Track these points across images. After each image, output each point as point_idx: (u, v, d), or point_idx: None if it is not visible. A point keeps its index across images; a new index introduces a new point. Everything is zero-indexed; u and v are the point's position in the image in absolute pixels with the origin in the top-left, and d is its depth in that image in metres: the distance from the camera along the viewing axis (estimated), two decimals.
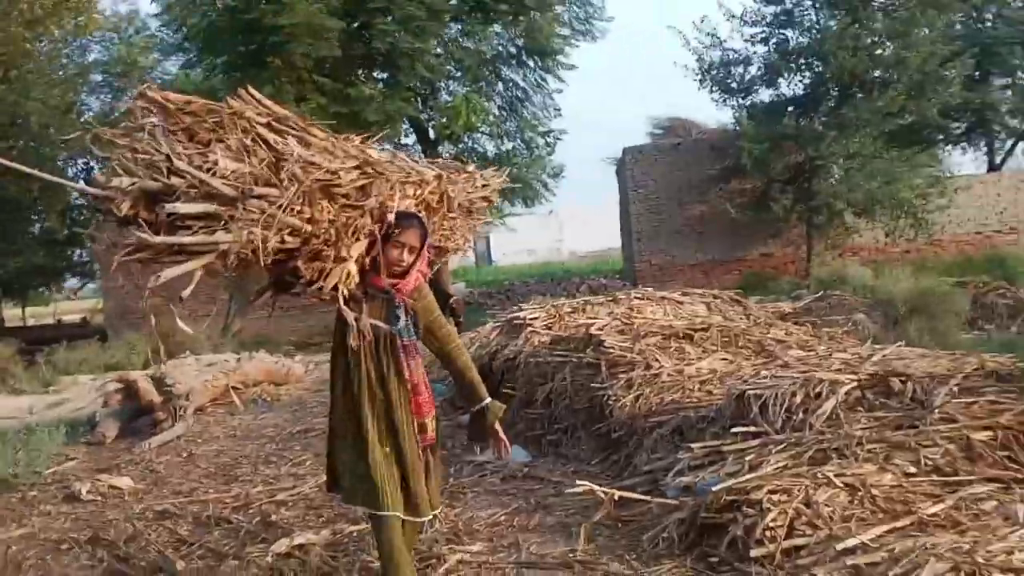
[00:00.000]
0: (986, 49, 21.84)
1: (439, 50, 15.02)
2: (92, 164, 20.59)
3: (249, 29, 12.94)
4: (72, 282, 32.49)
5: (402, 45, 13.26)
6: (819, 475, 3.96)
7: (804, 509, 3.74)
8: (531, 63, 16.35)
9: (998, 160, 25.40)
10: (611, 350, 6.16)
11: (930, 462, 4.08)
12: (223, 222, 2.89)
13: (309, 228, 3.05)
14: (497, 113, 16.59)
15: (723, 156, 18.71)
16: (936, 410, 4.37)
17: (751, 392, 4.74)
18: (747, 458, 4.32)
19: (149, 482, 6.34)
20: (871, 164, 17.20)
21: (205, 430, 7.92)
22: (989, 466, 4.09)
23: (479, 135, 16.44)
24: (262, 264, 2.94)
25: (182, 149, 3.00)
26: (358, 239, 3.24)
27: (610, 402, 5.77)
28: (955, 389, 4.62)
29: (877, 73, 17.14)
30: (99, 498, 5.89)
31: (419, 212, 3.54)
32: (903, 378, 4.72)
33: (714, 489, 3.97)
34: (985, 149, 25.51)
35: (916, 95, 16.93)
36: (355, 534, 4.58)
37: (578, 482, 4.43)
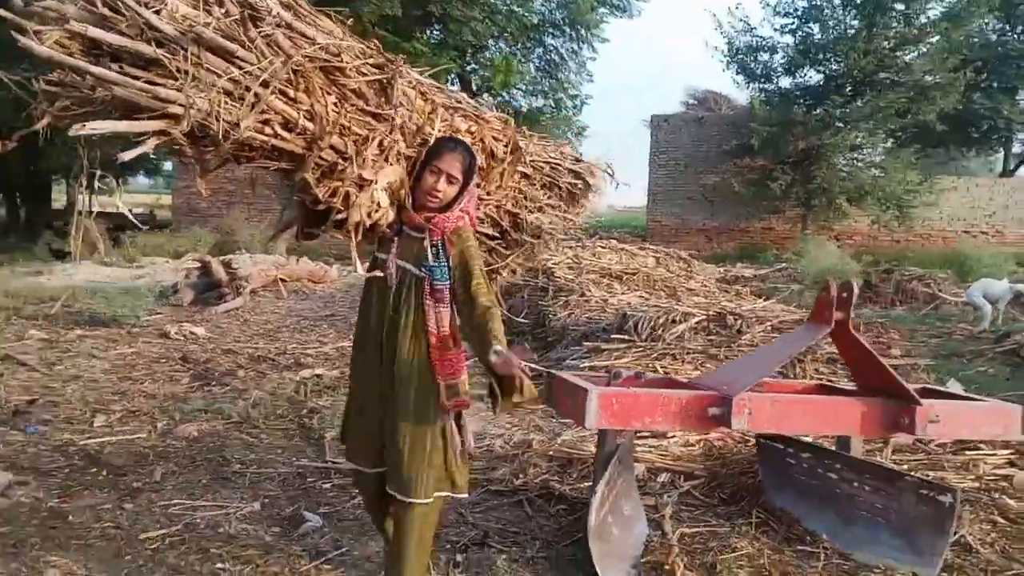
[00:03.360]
0: (1010, 61, 23.09)
1: (484, 16, 16.98)
2: None
3: None
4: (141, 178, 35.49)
5: (453, 11, 15.32)
6: (650, 366, 6.17)
7: None
8: (569, 32, 18.28)
9: (1012, 166, 26.74)
10: (559, 279, 8.38)
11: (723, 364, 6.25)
12: (178, 81, 2.40)
13: (309, 125, 2.60)
14: (534, 74, 18.61)
15: (739, 134, 20.49)
16: (745, 336, 6.54)
17: (630, 314, 6.94)
18: (615, 353, 6.54)
19: (217, 333, 8.76)
20: (869, 158, 18.95)
21: (258, 306, 10.34)
22: None
23: (516, 91, 18.48)
24: (224, 145, 2.46)
25: None
26: (388, 160, 2.78)
27: (550, 315, 8.00)
28: (768, 327, 6.76)
29: (885, 75, 18.68)
30: (182, 338, 8.30)
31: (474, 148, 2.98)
32: (736, 316, 6.87)
33: (580, 367, 6.21)
34: (1002, 154, 26.88)
35: (918, 99, 18.49)
36: None
37: None
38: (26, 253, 15.83)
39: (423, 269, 2.76)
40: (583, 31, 17.90)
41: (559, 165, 3.66)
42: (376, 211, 2.76)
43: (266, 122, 2.54)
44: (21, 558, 3.34)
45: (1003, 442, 5.26)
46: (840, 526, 3.73)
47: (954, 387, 5.88)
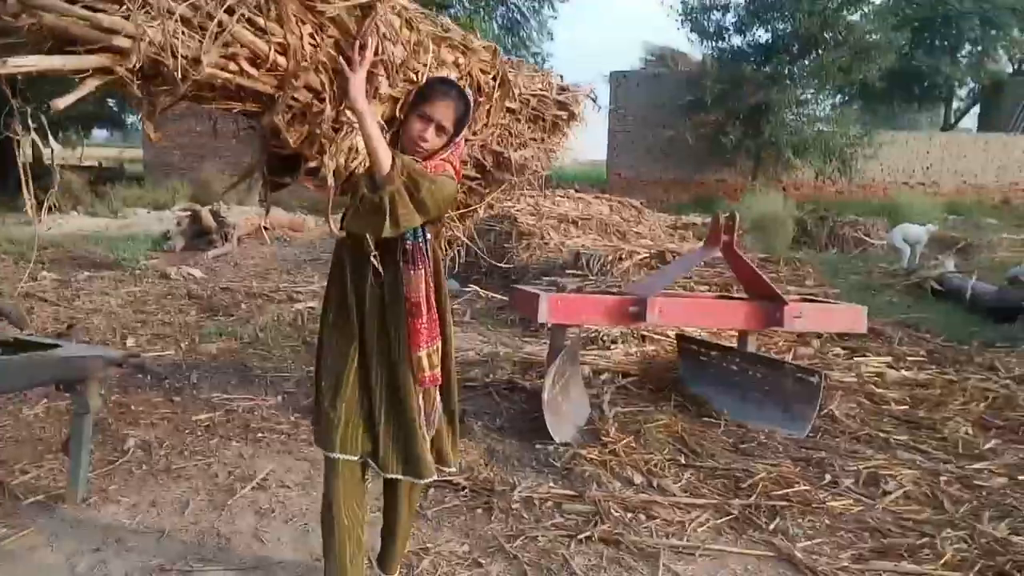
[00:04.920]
0: (950, 20, 24.28)
1: None
2: None
3: None
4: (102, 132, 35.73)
5: None
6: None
7: None
8: None
9: (953, 121, 28.12)
10: (521, 224, 9.37)
11: None
12: (123, 7, 1.99)
13: (281, 60, 2.29)
14: (497, 32, 19.37)
15: (693, 90, 21.44)
16: None
17: (583, 252, 7.98)
18: (569, 286, 7.58)
19: (212, 275, 9.64)
20: (814, 113, 20.09)
21: (245, 252, 11.21)
22: None
23: None
24: (181, 86, 2.08)
25: None
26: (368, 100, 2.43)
27: (513, 257, 9.01)
28: (702, 263, 7.84)
29: (829, 34, 19.74)
30: (182, 279, 9.18)
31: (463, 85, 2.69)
32: (674, 254, 7.94)
33: None
34: (943, 110, 28.25)
35: (859, 57, 19.58)
36: None
37: (470, 286, 7.72)
38: (7, 206, 16.42)
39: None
40: None
41: (545, 97, 3.44)
42: (354, 159, 2.55)
43: (231, 57, 2.20)
44: (104, 433, 4.31)
45: (886, 351, 6.49)
46: (738, 404, 4.83)
47: None
